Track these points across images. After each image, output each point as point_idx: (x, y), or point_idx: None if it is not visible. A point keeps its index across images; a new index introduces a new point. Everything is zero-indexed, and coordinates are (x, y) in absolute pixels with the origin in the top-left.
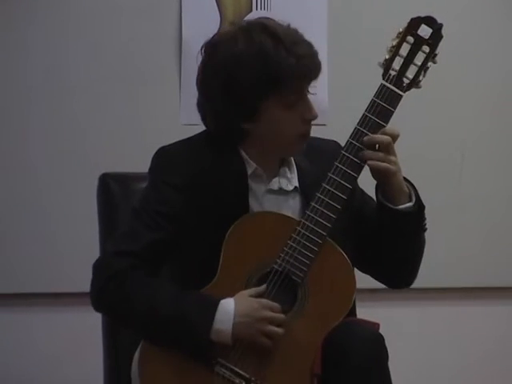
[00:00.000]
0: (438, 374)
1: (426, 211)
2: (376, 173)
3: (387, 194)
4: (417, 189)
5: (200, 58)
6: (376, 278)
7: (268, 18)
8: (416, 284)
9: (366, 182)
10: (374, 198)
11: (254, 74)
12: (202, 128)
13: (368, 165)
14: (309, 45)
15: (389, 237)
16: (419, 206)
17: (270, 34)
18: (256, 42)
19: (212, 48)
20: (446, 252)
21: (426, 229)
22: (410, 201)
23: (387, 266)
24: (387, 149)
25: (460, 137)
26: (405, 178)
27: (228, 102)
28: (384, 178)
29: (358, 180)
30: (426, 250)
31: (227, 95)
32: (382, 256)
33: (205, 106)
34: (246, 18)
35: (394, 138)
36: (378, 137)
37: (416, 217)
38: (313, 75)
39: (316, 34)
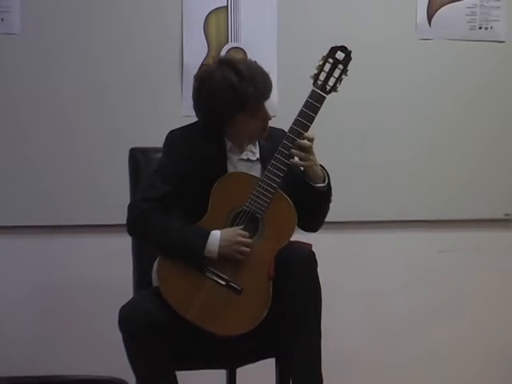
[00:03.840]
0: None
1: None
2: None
3: (308, 177)
4: (329, 174)
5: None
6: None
7: (235, 58)
8: (338, 218)
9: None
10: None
11: (226, 103)
12: (196, 119)
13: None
14: (263, 74)
15: (308, 202)
16: (328, 187)
17: (236, 71)
18: (226, 79)
19: (198, 83)
20: (361, 191)
21: (331, 200)
22: (323, 182)
23: (305, 218)
24: (308, 150)
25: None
26: (322, 166)
27: (210, 118)
28: (305, 169)
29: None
30: (348, 189)
31: (209, 114)
32: (302, 212)
33: (196, 115)
34: (224, 48)
35: (311, 140)
36: (301, 142)
37: (324, 192)
38: (266, 96)
39: (269, 55)
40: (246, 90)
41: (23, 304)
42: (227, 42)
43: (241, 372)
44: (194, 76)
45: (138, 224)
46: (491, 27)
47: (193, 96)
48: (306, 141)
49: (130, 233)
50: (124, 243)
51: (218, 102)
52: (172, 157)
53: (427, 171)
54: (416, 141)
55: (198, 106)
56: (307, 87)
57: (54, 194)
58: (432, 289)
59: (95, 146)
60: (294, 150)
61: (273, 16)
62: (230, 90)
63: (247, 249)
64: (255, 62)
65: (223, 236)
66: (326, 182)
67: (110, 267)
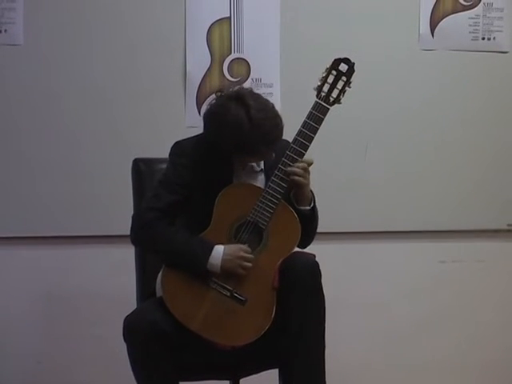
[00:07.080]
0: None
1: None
2: (294, 183)
3: (296, 197)
4: (315, 198)
5: (203, 114)
6: None
7: (251, 96)
8: (340, 229)
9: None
10: None
11: (233, 144)
12: (199, 129)
13: (290, 178)
14: (275, 117)
15: None
16: (313, 210)
17: (251, 120)
18: (238, 124)
19: (209, 118)
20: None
21: (317, 221)
22: (309, 205)
23: None
24: (305, 170)
25: (365, 133)
26: (311, 190)
27: (214, 144)
28: (297, 188)
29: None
30: (350, 200)
31: (214, 142)
32: None
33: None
34: (227, 59)
35: (309, 164)
36: (298, 165)
37: (309, 215)
38: (272, 146)
39: (272, 66)
40: (255, 139)
41: (26, 315)
42: (230, 52)
43: (244, 383)
44: (210, 103)
45: (143, 233)
46: (494, 38)
47: (203, 116)
48: (301, 164)
49: (134, 242)
50: (127, 254)
51: (224, 139)
52: (177, 167)
53: (430, 182)
54: (418, 151)
55: (205, 128)
56: (310, 98)
57: (57, 204)
58: (434, 299)
59: (98, 157)
60: (291, 168)
61: (275, 27)
62: (239, 136)
63: (249, 264)
64: (273, 105)
65: (226, 251)
66: (312, 205)
67: (113, 278)
